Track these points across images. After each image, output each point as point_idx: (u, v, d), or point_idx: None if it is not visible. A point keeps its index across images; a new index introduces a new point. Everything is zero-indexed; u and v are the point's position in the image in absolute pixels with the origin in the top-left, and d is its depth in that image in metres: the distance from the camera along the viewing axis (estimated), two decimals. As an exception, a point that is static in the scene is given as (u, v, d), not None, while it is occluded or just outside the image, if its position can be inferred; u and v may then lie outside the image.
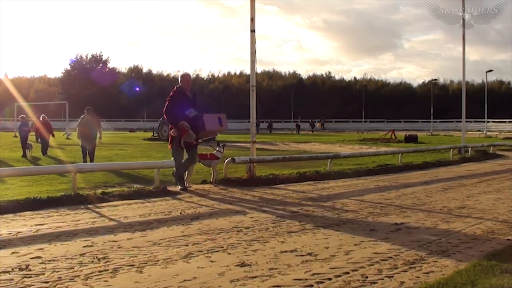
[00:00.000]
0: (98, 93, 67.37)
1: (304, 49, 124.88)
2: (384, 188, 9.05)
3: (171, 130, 8.54)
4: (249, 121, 10.78)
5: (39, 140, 17.51)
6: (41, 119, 17.60)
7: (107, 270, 3.83)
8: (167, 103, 8.38)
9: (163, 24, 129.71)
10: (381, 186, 9.45)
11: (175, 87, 8.61)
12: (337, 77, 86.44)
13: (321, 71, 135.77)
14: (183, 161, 8.54)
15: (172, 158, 8.73)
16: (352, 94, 75.76)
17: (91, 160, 12.79)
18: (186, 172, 8.70)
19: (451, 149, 16.67)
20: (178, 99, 8.39)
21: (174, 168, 8.70)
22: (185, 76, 8.72)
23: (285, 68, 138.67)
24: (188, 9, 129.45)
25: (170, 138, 8.59)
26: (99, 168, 9.49)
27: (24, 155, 15.51)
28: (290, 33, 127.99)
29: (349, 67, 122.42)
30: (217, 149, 9.27)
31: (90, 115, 13.41)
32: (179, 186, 8.45)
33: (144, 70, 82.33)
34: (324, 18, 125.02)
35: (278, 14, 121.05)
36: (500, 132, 46.14)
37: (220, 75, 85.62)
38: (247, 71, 75.77)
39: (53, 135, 17.41)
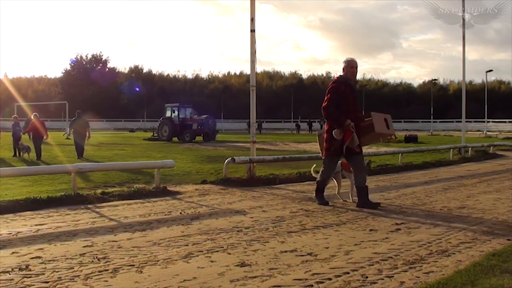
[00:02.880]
0: (98, 93, 67.40)
1: (302, 48, 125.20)
2: (384, 188, 9.05)
3: (327, 131, 6.90)
4: (249, 121, 10.48)
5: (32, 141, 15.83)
6: (32, 117, 15.92)
7: (107, 270, 3.83)
8: (328, 96, 6.75)
9: (160, 23, 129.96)
10: (381, 186, 9.45)
11: (336, 77, 7.05)
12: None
13: (319, 70, 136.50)
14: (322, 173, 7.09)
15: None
16: (352, 94, 75.72)
17: (81, 153, 15.48)
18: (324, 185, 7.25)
19: (451, 149, 16.67)
20: (343, 92, 6.74)
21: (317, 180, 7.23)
22: (351, 62, 6.94)
23: (283, 68, 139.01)
24: (184, 8, 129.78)
25: (327, 143, 6.91)
26: (99, 168, 9.49)
27: (15, 155, 15.45)
28: (287, 32, 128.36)
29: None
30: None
31: (83, 117, 16.42)
32: (317, 200, 7.13)
33: (144, 70, 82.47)
34: (320, 17, 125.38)
35: (274, 13, 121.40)
36: (500, 132, 46.13)
37: (220, 75, 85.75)
38: (246, 71, 76.12)
39: (47, 136, 15.80)
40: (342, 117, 6.66)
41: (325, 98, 6.79)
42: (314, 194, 7.26)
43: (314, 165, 8.33)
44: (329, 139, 6.87)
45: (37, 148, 15.17)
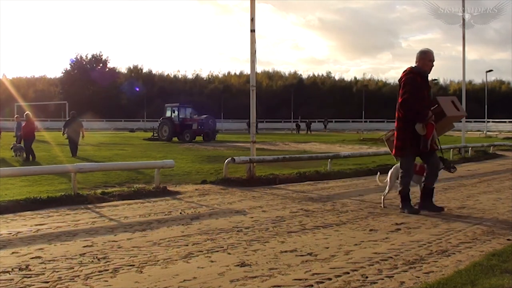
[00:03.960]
0: (98, 93, 67.37)
1: (301, 48, 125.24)
2: (384, 188, 9.02)
3: (399, 128, 6.29)
4: (248, 121, 10.44)
5: (23, 142, 15.35)
6: (24, 117, 15.57)
7: (107, 270, 3.83)
8: (406, 89, 6.10)
9: (160, 23, 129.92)
10: (381, 186, 9.42)
11: (409, 68, 6.28)
12: (337, 77, 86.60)
13: (318, 70, 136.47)
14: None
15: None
16: (352, 94, 75.78)
17: (76, 150, 16.42)
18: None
19: (451, 149, 16.67)
20: (419, 84, 6.12)
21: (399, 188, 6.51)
22: (430, 55, 6.24)
23: (282, 68, 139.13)
24: (183, 8, 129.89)
25: (399, 141, 6.27)
26: (99, 168, 9.50)
27: (16, 155, 15.44)
28: (286, 32, 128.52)
29: (347, 66, 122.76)
30: None
31: (78, 117, 17.96)
32: (405, 210, 6.34)
33: (144, 70, 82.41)
34: (319, 16, 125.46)
35: (272, 12, 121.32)
36: (500, 132, 46.09)
37: (220, 75, 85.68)
38: (246, 71, 76.10)
39: (33, 137, 15.26)
40: (424, 110, 6.04)
41: (401, 92, 6.17)
42: (400, 206, 6.49)
43: (379, 173, 7.83)
44: (402, 138, 6.22)
45: (29, 149, 14.69)
